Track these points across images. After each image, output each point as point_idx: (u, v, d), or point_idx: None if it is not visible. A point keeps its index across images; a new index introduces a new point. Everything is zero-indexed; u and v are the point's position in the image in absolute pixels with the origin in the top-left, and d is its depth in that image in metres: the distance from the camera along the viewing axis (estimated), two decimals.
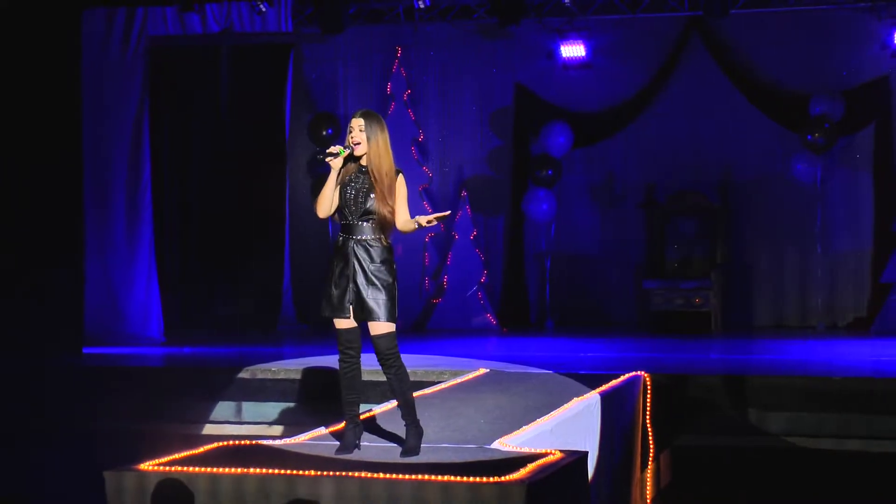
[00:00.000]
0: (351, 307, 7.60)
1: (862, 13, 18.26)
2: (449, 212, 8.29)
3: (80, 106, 15.92)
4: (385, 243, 7.64)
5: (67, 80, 15.66)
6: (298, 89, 19.83)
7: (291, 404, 12.60)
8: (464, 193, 19.16)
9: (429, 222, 7.66)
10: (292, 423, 12.25)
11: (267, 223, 19.27)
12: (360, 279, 7.57)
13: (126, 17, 17.09)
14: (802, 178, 18.21)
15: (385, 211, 7.57)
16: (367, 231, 7.59)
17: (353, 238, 7.61)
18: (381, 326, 7.56)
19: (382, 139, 7.62)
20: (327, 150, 7.65)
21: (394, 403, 9.02)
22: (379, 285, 7.56)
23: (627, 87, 19.14)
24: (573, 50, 19.02)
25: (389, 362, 7.59)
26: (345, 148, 7.64)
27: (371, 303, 7.55)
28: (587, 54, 19.05)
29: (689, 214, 18.72)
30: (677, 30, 18.89)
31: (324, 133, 18.93)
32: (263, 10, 17.57)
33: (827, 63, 18.47)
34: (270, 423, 12.56)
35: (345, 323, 7.66)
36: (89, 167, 16.35)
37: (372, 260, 7.58)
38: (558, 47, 19.11)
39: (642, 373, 11.20)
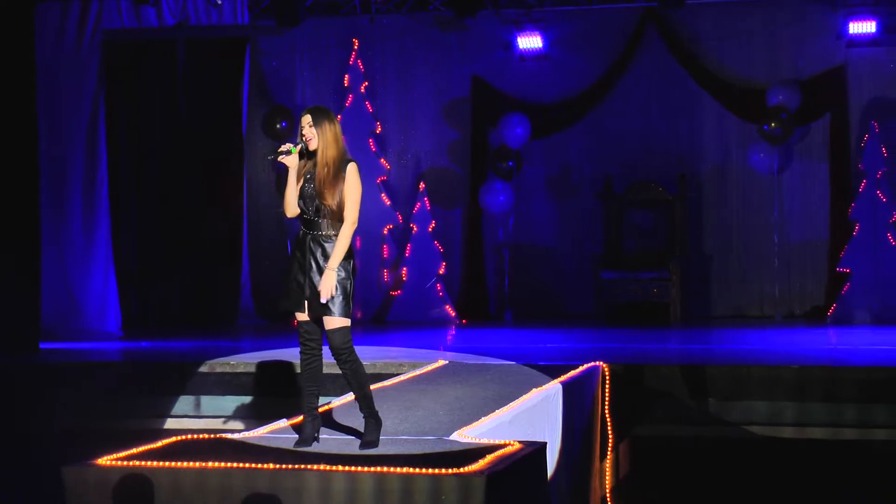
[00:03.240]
0: (306, 302, 7.61)
1: (817, 3, 18.37)
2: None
3: (34, 100, 15.80)
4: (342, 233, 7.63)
5: (21, 74, 15.55)
6: (255, 82, 19.78)
7: (250, 398, 12.58)
8: (422, 185, 19.15)
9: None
10: (251, 417, 12.23)
11: (225, 217, 19.20)
12: (314, 274, 7.59)
13: (80, 11, 16.96)
14: (759, 169, 18.30)
15: (332, 202, 7.54)
16: (323, 226, 7.60)
17: (310, 233, 7.63)
18: (334, 321, 7.58)
19: (331, 131, 7.60)
20: (278, 150, 7.66)
21: (353, 396, 9.03)
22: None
23: (584, 78, 19.16)
24: (530, 41, 19.05)
25: (343, 357, 7.61)
26: (295, 145, 7.64)
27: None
28: (544, 46, 19.07)
29: (647, 205, 18.76)
30: (633, 21, 18.93)
31: (278, 126, 18.89)
32: (219, 2, 17.50)
33: (783, 53, 18.57)
34: (229, 417, 12.53)
35: (304, 315, 7.68)
36: (45, 161, 16.23)
37: (326, 255, 7.58)
38: (515, 39, 19.13)
39: (601, 363, 11.24)
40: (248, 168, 19.48)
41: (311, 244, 7.61)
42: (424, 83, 19.77)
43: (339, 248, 7.57)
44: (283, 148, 7.65)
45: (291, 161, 7.64)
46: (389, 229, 19.23)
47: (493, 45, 19.47)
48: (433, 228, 19.04)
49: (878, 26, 18.05)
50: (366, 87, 19.44)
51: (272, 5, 18.49)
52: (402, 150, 19.80)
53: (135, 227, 19.45)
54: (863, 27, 18.06)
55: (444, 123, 19.75)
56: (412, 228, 19.04)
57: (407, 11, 19.19)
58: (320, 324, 7.69)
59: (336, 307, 7.56)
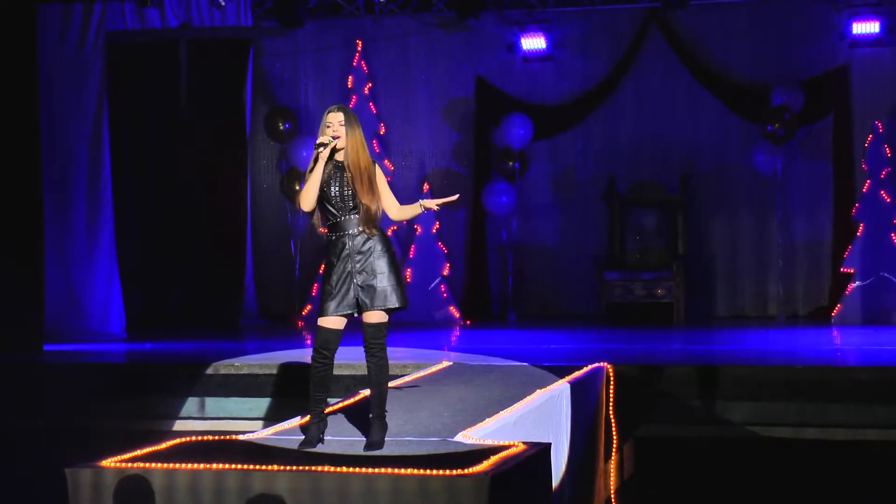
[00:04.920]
0: (356, 301, 7.60)
1: (820, 4, 18.38)
2: (458, 195, 8.31)
3: (38, 102, 15.79)
4: (380, 230, 7.68)
5: (24, 77, 15.54)
6: (258, 84, 19.78)
7: (255, 399, 12.57)
8: (426, 186, 19.13)
9: (438, 206, 7.81)
10: (256, 418, 12.23)
11: (229, 218, 19.19)
12: (367, 271, 7.59)
13: (83, 12, 16.94)
14: (762, 169, 18.28)
15: (372, 206, 7.59)
16: (358, 223, 7.61)
17: (347, 233, 7.62)
18: (375, 315, 7.61)
19: (360, 134, 7.66)
20: (318, 142, 7.63)
21: (358, 397, 9.04)
22: (388, 271, 7.63)
23: (588, 78, 19.19)
24: (533, 42, 19.07)
25: (374, 351, 7.65)
26: (331, 140, 7.63)
27: (383, 289, 7.59)
28: (547, 47, 19.10)
29: (650, 206, 18.77)
30: (637, 21, 18.95)
31: (281, 128, 18.89)
32: (223, 4, 17.52)
33: (786, 54, 18.56)
34: (234, 419, 12.52)
35: (334, 322, 7.63)
36: (48, 163, 16.23)
37: (373, 249, 7.62)
38: (518, 40, 19.15)
39: (605, 364, 11.23)
40: (252, 169, 19.49)
41: (352, 243, 7.61)
42: (428, 84, 19.77)
43: (413, 211, 7.81)
44: (325, 139, 7.62)
45: (326, 154, 7.63)
46: (393, 231, 19.18)
47: (497, 46, 19.49)
48: (437, 229, 19.03)
49: (881, 26, 18.06)
50: (369, 89, 19.44)
51: (275, 7, 18.51)
52: (406, 152, 19.80)
53: (138, 229, 19.45)
54: (866, 27, 18.08)
55: (447, 125, 19.75)
56: (416, 230, 19.03)
57: (410, 13, 19.19)
58: (341, 333, 7.70)
59: (395, 296, 7.65)
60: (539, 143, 19.05)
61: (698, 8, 18.32)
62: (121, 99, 18.58)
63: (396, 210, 7.77)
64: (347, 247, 7.62)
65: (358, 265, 7.61)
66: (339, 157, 7.65)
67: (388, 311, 7.66)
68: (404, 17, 19.29)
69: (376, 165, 7.71)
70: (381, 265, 7.62)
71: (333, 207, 7.63)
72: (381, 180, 7.72)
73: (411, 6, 19.16)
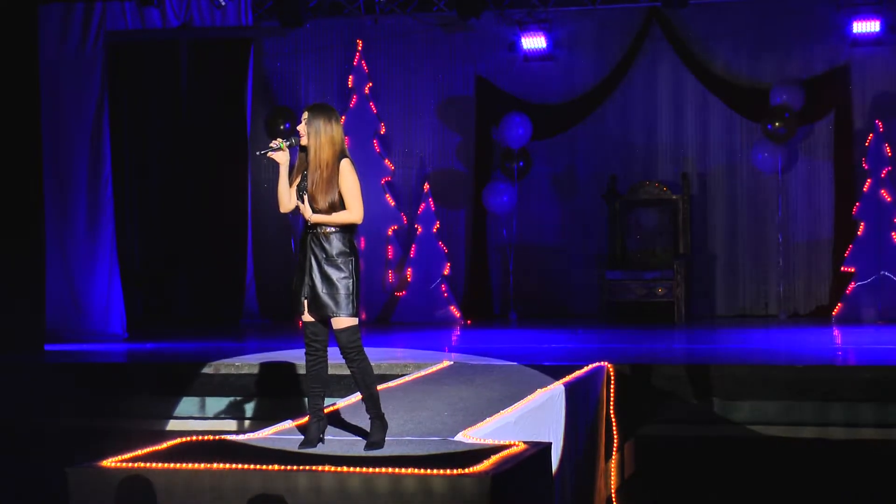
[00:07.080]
0: (306, 301, 7.59)
1: (821, 3, 18.36)
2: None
3: (39, 102, 15.81)
4: (342, 236, 7.59)
5: (24, 76, 15.55)
6: (259, 83, 19.78)
7: (255, 399, 12.57)
8: (426, 186, 19.12)
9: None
10: (256, 418, 12.22)
11: (229, 217, 19.19)
12: (315, 274, 7.56)
13: (84, 12, 16.95)
14: (763, 168, 18.29)
15: (323, 204, 7.52)
16: (320, 224, 7.58)
17: (311, 232, 7.62)
18: (340, 321, 7.55)
19: (326, 130, 7.54)
20: (269, 146, 7.65)
21: (358, 396, 9.01)
22: (333, 279, 7.54)
23: (588, 77, 19.17)
24: (534, 41, 19.05)
25: (351, 356, 7.59)
26: (285, 141, 7.64)
27: (325, 298, 7.53)
28: (548, 46, 19.08)
29: (651, 205, 18.76)
30: (638, 20, 18.92)
31: (281, 127, 18.87)
32: (223, 3, 17.50)
33: (787, 53, 18.56)
34: (234, 418, 12.52)
35: (309, 316, 7.66)
36: (49, 163, 16.24)
37: (326, 254, 7.56)
38: (519, 39, 19.13)
39: (606, 363, 11.23)
40: (252, 169, 19.48)
41: (312, 242, 7.60)
42: (428, 84, 19.76)
43: (333, 217, 7.54)
44: (273, 144, 7.65)
45: (282, 157, 7.64)
46: (394, 230, 19.22)
47: (497, 46, 19.48)
48: (437, 229, 19.01)
49: (881, 25, 18.04)
50: (370, 88, 19.42)
51: (276, 6, 18.49)
52: (407, 151, 19.79)
53: (139, 229, 19.46)
54: (867, 26, 18.06)
55: (448, 124, 19.74)
56: (417, 229, 19.02)
57: (411, 12, 19.18)
58: (326, 324, 7.67)
59: (337, 307, 7.54)
60: (540, 142, 19.03)
61: (699, 7, 18.30)
62: (121, 99, 18.59)
63: (349, 211, 7.62)
64: (308, 245, 7.61)
65: (311, 266, 7.59)
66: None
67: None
68: (405, 16, 19.27)
69: (344, 161, 7.58)
70: (329, 271, 7.55)
71: (302, 201, 7.63)
72: (347, 179, 7.59)
73: (412, 6, 19.14)
